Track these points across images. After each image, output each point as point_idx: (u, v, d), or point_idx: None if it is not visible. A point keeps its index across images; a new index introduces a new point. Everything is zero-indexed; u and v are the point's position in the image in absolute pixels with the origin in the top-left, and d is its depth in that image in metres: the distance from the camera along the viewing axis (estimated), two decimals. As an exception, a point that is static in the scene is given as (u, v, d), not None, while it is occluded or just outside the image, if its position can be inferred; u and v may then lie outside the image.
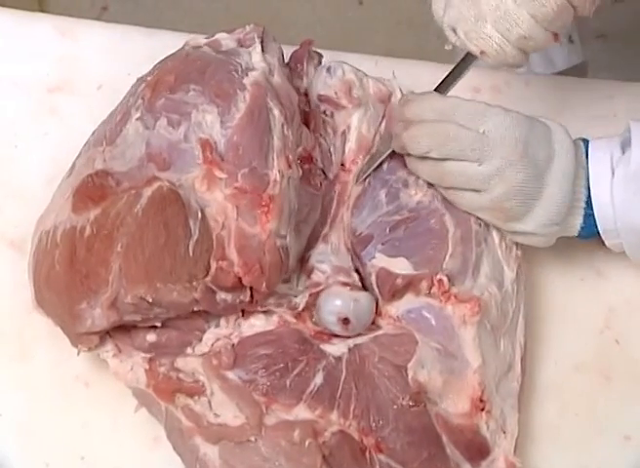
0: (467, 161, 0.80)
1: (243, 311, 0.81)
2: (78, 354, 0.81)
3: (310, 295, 0.82)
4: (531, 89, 0.96)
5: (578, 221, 0.82)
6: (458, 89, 0.94)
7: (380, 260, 0.82)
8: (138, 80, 0.86)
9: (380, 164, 0.84)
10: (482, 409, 0.79)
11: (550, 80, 1.01)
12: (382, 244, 0.82)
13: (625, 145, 0.81)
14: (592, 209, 0.81)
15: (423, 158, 0.81)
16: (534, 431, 0.84)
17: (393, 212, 0.83)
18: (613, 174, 0.80)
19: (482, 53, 0.79)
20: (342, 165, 0.86)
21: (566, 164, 0.81)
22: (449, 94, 0.84)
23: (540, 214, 0.81)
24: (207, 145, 0.79)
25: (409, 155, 0.82)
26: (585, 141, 0.83)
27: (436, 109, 0.81)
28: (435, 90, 0.84)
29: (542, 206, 0.80)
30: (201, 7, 2.03)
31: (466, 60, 0.82)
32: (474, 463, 0.79)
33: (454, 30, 0.79)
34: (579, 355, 0.87)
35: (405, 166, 0.84)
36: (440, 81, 0.84)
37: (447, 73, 0.84)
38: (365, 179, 0.84)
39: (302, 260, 0.83)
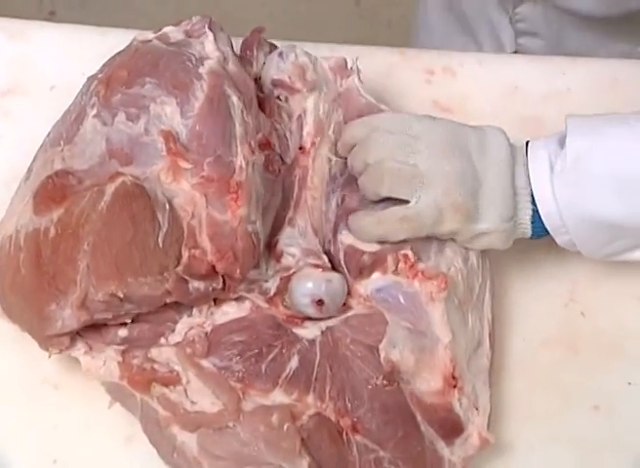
0: (401, 162, 0.81)
1: (215, 300, 0.82)
2: (49, 357, 0.81)
3: (281, 280, 0.82)
4: (484, 68, 0.98)
5: (527, 217, 0.82)
6: (412, 72, 0.97)
7: (346, 237, 0.83)
8: (88, 79, 0.86)
9: None
10: (454, 387, 0.80)
11: (503, 58, 1.03)
12: None
13: (563, 141, 0.82)
14: None
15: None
16: (505, 406, 0.85)
17: None
18: (552, 169, 0.82)
19: None
20: (301, 148, 0.86)
21: (500, 158, 0.82)
22: None
23: (491, 210, 0.81)
24: (169, 137, 0.80)
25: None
26: (527, 143, 0.84)
27: (365, 126, 0.84)
28: None
29: (488, 199, 0.81)
30: (151, 9, 2.04)
31: None
32: (448, 441, 0.80)
33: None
34: (545, 329, 0.88)
35: None
36: None
37: None
38: None
39: (270, 245, 0.84)
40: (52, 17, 1.98)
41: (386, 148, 0.82)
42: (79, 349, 0.80)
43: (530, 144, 0.84)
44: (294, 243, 0.84)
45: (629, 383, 0.87)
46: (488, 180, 0.82)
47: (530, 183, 0.82)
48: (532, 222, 0.83)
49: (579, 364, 0.88)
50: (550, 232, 0.83)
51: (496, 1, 1.13)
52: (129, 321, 0.80)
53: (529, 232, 0.84)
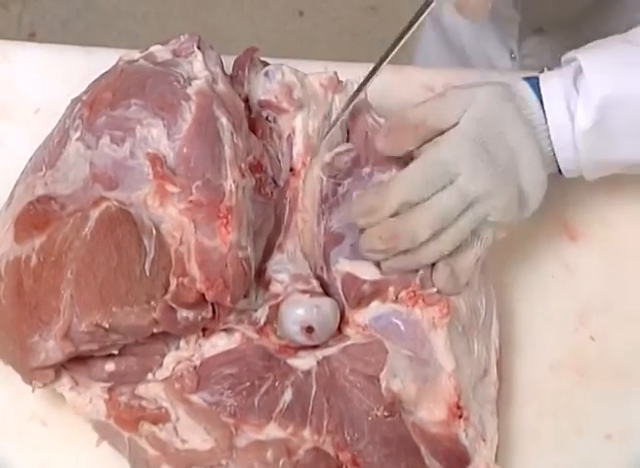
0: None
1: (204, 330, 0.81)
2: (33, 391, 0.80)
3: (270, 308, 0.82)
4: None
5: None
6: (410, 87, 0.97)
7: (343, 265, 0.82)
8: (72, 101, 0.86)
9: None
10: (460, 417, 0.79)
11: (504, 74, 1.02)
12: (352, 245, 0.83)
13: (577, 75, 0.82)
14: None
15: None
16: (513, 436, 0.85)
17: None
18: (571, 117, 0.81)
19: None
20: (292, 169, 0.86)
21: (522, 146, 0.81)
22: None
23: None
24: (156, 160, 0.79)
25: None
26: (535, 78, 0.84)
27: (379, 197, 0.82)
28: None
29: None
30: (134, 28, 2.05)
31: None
32: (454, 474, 0.80)
33: None
34: (554, 354, 0.88)
35: (383, 171, 0.84)
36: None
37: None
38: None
39: (259, 273, 0.83)
40: (32, 39, 1.99)
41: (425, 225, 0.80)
42: (64, 385, 0.80)
43: (543, 87, 0.83)
44: (282, 269, 0.83)
45: (643, 410, 0.87)
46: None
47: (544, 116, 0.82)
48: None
49: (590, 390, 0.87)
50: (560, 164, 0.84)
51: (496, 37, 1.14)
52: (116, 352, 0.80)
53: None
